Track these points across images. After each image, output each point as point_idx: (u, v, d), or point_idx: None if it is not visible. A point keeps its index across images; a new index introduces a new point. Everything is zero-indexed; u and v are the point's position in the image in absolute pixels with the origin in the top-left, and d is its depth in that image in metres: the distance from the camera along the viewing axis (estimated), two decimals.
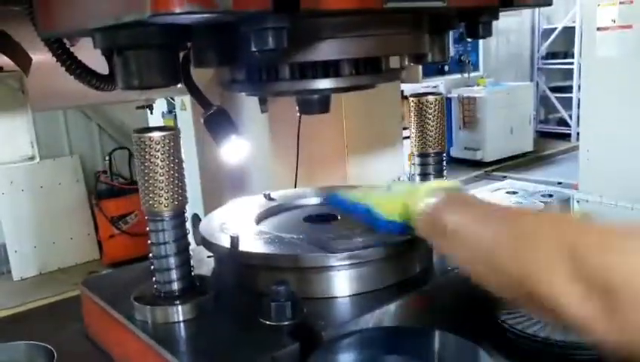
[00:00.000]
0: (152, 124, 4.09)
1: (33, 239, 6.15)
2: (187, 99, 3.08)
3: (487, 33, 1.29)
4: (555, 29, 10.30)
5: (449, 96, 9.10)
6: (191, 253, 1.24)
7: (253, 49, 0.94)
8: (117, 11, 0.91)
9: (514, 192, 3.93)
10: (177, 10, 0.83)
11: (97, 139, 6.75)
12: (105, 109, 6.41)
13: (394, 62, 1.37)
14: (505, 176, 7.94)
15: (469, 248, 0.97)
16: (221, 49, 1.16)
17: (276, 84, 1.20)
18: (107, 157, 6.32)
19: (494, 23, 1.29)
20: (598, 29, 4.70)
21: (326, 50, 1.11)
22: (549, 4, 1.29)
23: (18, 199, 6.03)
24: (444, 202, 1.05)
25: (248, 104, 2.42)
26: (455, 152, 9.38)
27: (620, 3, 4.56)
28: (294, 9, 0.90)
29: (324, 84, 1.18)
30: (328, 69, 1.18)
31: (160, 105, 3.84)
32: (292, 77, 1.18)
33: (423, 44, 1.30)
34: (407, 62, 1.50)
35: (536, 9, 9.26)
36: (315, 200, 1.63)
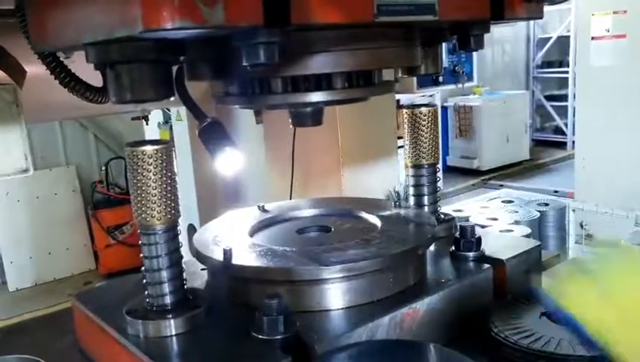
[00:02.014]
0: (148, 135, 4.10)
1: (29, 250, 6.13)
2: (183, 110, 3.08)
3: (479, 46, 1.30)
4: (550, 38, 10.36)
5: (445, 105, 9.13)
6: (184, 266, 1.23)
7: (245, 63, 0.95)
8: (109, 27, 0.91)
9: (510, 201, 3.96)
10: (169, 26, 0.83)
11: (94, 150, 6.75)
12: (101, 120, 6.41)
13: (387, 74, 1.37)
14: (501, 185, 7.96)
15: None
16: (214, 62, 1.17)
17: (269, 97, 1.21)
18: (103, 168, 6.32)
19: (490, 32, 1.30)
20: (593, 38, 4.74)
21: (318, 64, 1.12)
22: (540, 17, 1.30)
23: (14, 210, 6.02)
24: None
25: (243, 116, 2.42)
26: (451, 161, 9.41)
27: (614, 13, 4.59)
28: (285, 23, 0.90)
29: (316, 97, 1.18)
30: (321, 81, 1.19)
31: (156, 116, 3.85)
32: (284, 90, 1.19)
33: (416, 56, 1.31)
34: (400, 75, 1.51)
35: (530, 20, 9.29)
36: (308, 213, 1.62)
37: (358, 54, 1.14)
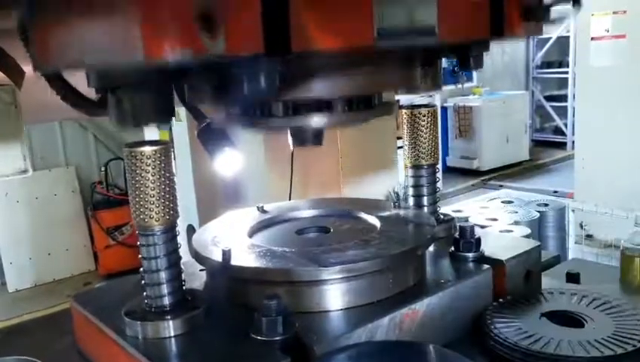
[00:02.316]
0: (147, 136, 4.09)
1: (28, 250, 6.13)
2: (182, 110, 3.08)
3: (479, 65, 1.28)
4: (550, 38, 10.36)
5: (445, 105, 9.13)
6: (182, 266, 1.23)
7: (246, 91, 0.95)
8: (110, 54, 0.91)
9: (510, 201, 3.95)
10: (170, 57, 0.83)
11: (93, 150, 6.75)
12: (101, 120, 6.41)
13: (386, 93, 1.36)
14: (501, 185, 7.96)
15: None
16: (214, 87, 1.16)
17: (270, 120, 1.20)
18: (103, 168, 6.31)
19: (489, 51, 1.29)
20: (592, 38, 4.74)
21: (318, 89, 1.11)
22: (539, 34, 1.30)
23: (13, 210, 6.02)
24: None
25: None
26: (451, 161, 9.41)
27: (614, 13, 4.60)
28: (286, 52, 0.90)
29: (316, 121, 1.17)
30: (321, 105, 1.18)
31: None
32: (285, 113, 1.18)
33: (415, 77, 1.30)
34: (399, 94, 1.49)
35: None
36: (307, 213, 1.62)
37: (358, 79, 1.13)
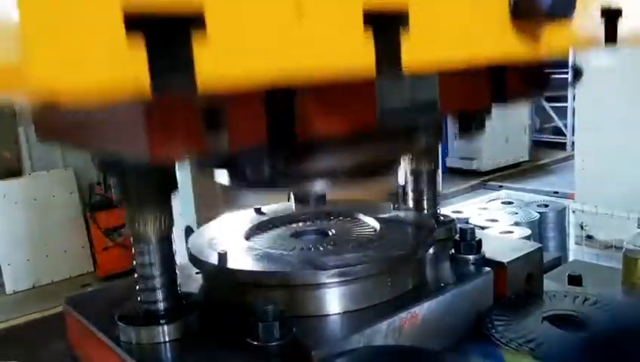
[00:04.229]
0: None
1: (26, 252, 6.10)
2: None
3: (480, 129, 1.27)
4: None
5: None
6: (177, 271, 1.21)
7: (250, 179, 0.93)
8: (115, 150, 0.90)
9: (510, 202, 3.93)
10: (175, 158, 0.82)
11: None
12: None
13: None
14: (501, 186, 7.94)
15: None
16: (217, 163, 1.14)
17: (272, 188, 1.18)
18: None
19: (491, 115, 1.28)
20: None
21: (320, 163, 1.08)
22: (542, 97, 1.29)
23: (11, 212, 5.99)
24: None
25: None
26: (451, 162, 9.39)
27: None
28: (291, 141, 0.89)
29: (319, 186, 1.14)
30: (323, 174, 1.15)
31: None
32: (287, 181, 1.15)
33: (418, 143, 1.27)
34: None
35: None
36: (305, 215, 1.60)
37: (360, 151, 1.11)
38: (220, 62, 0.62)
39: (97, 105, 0.57)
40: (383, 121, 0.99)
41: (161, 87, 0.59)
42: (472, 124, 1.24)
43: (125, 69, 0.57)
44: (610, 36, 1.03)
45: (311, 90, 0.87)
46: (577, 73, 1.24)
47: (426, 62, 0.79)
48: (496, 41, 0.88)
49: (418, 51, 0.77)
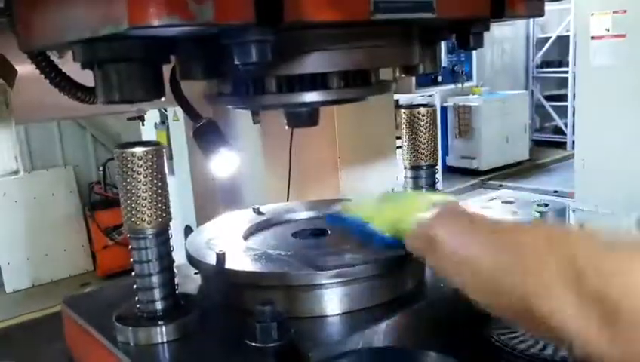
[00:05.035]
0: (144, 135, 4.06)
1: (26, 251, 6.09)
2: (179, 110, 3.05)
3: (479, 44, 1.26)
4: (550, 37, 10.33)
5: (444, 105, 9.10)
6: (175, 270, 1.20)
7: (237, 62, 0.91)
8: (94, 24, 0.88)
9: (510, 202, 3.92)
10: (155, 23, 0.80)
11: (92, 150, 6.71)
12: (99, 120, 6.38)
13: (384, 73, 1.34)
14: (501, 185, 7.94)
15: (463, 267, 0.95)
16: (206, 62, 1.13)
17: (263, 97, 1.17)
18: (101, 168, 6.27)
19: (489, 32, 1.27)
20: (593, 37, 4.71)
21: (313, 63, 1.08)
22: (541, 14, 1.27)
23: (11, 210, 5.98)
24: (435, 216, 1.02)
25: (240, 115, 2.39)
26: (451, 161, 9.37)
27: (614, 12, 4.57)
28: (277, 22, 0.87)
29: (311, 97, 1.15)
30: (316, 81, 1.15)
31: (152, 116, 3.81)
32: (279, 90, 1.15)
33: (414, 55, 1.27)
34: (398, 74, 1.47)
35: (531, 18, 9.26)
36: (304, 215, 1.59)
37: (354, 53, 1.11)
38: None
39: None
40: (376, 14, 0.97)
41: None
42: (469, 37, 1.23)
43: None
44: None
45: None
46: None
47: None
48: None
49: None
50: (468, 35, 1.25)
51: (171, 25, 0.81)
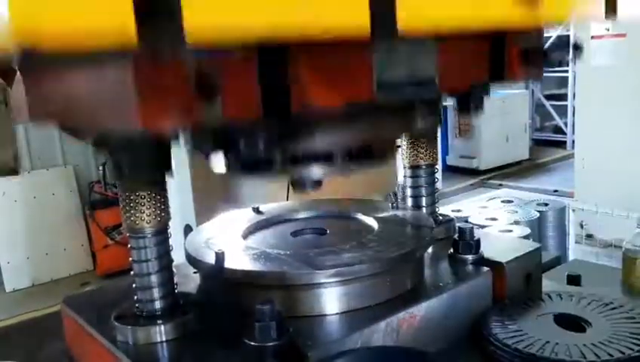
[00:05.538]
0: None
1: (26, 250, 6.09)
2: None
3: (479, 108, 1.25)
4: (550, 37, 10.32)
5: (444, 104, 9.09)
6: (174, 269, 1.20)
7: (244, 153, 0.92)
8: (106, 123, 0.88)
9: (509, 201, 3.92)
10: (167, 128, 0.80)
11: (91, 149, 6.71)
12: None
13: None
14: (501, 185, 7.94)
15: None
16: (214, 140, 1.12)
17: (269, 173, 1.16)
18: (101, 167, 6.27)
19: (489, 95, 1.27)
20: (593, 37, 4.71)
21: (317, 142, 1.07)
22: (539, 79, 1.28)
23: (11, 210, 5.98)
24: None
25: None
26: (451, 161, 9.38)
27: None
28: (285, 114, 0.87)
29: (316, 172, 1.13)
30: (320, 157, 1.14)
31: None
32: (284, 164, 1.14)
33: (415, 122, 1.26)
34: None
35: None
36: (303, 215, 1.59)
37: (357, 131, 1.09)
38: (208, 12, 0.59)
39: (82, 51, 0.55)
40: (380, 94, 0.97)
41: (148, 36, 0.57)
42: (470, 102, 1.23)
43: (111, 14, 0.55)
44: (611, 9, 1.01)
45: (305, 56, 0.85)
46: (577, 48, 1.22)
47: (422, 21, 0.77)
48: (495, 3, 0.86)
49: (414, 7, 0.74)
50: (469, 101, 1.25)
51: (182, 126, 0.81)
